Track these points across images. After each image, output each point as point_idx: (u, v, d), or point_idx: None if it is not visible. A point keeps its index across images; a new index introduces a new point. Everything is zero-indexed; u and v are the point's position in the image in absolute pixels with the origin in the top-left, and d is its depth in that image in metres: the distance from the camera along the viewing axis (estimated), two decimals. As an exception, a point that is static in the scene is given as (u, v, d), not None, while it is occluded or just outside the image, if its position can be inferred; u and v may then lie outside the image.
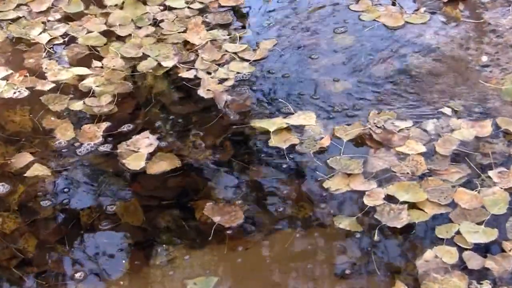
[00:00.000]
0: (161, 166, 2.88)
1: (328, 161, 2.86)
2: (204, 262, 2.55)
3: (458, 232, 2.57)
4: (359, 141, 2.96)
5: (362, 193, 2.73)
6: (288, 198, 2.76)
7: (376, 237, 2.59)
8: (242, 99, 3.17)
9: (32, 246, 2.63)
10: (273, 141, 2.95)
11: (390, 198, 2.70)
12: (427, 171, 2.80)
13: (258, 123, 3.04)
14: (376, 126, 2.99)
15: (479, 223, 2.59)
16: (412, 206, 2.67)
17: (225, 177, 2.86)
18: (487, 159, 2.83)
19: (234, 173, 2.87)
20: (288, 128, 3.01)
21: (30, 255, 2.59)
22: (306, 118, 3.04)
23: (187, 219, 2.69)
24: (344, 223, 2.63)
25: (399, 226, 2.60)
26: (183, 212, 2.72)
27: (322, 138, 2.96)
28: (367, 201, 2.69)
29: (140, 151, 2.94)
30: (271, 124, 3.02)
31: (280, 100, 3.16)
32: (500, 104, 3.09)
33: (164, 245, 2.61)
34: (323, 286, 2.46)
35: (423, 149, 2.88)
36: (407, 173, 2.79)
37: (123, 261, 2.57)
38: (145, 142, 2.98)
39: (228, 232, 2.63)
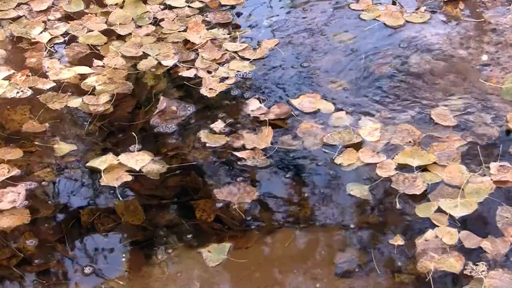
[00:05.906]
0: (7, 222, 2.67)
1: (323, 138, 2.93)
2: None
3: (439, 210, 2.61)
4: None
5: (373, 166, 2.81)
6: (289, 196, 2.76)
7: (398, 205, 2.64)
8: (178, 111, 3.09)
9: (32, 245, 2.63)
10: (104, 180, 2.78)
11: (401, 168, 2.78)
12: (429, 137, 2.88)
13: (90, 163, 2.86)
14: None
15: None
16: (423, 170, 2.75)
17: (225, 176, 2.86)
18: (490, 152, 2.86)
19: (234, 171, 2.87)
20: (122, 164, 2.86)
21: (30, 254, 2.60)
22: (138, 161, 2.86)
23: (187, 218, 2.69)
24: (355, 190, 2.71)
25: (418, 193, 2.67)
26: (183, 211, 2.72)
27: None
28: (380, 173, 2.77)
29: None
30: (102, 163, 2.85)
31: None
32: (500, 103, 3.09)
33: (164, 244, 2.61)
34: (323, 284, 2.47)
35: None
36: (409, 141, 2.86)
37: (123, 260, 2.58)
38: (11, 197, 2.74)
39: (228, 231, 2.64)
